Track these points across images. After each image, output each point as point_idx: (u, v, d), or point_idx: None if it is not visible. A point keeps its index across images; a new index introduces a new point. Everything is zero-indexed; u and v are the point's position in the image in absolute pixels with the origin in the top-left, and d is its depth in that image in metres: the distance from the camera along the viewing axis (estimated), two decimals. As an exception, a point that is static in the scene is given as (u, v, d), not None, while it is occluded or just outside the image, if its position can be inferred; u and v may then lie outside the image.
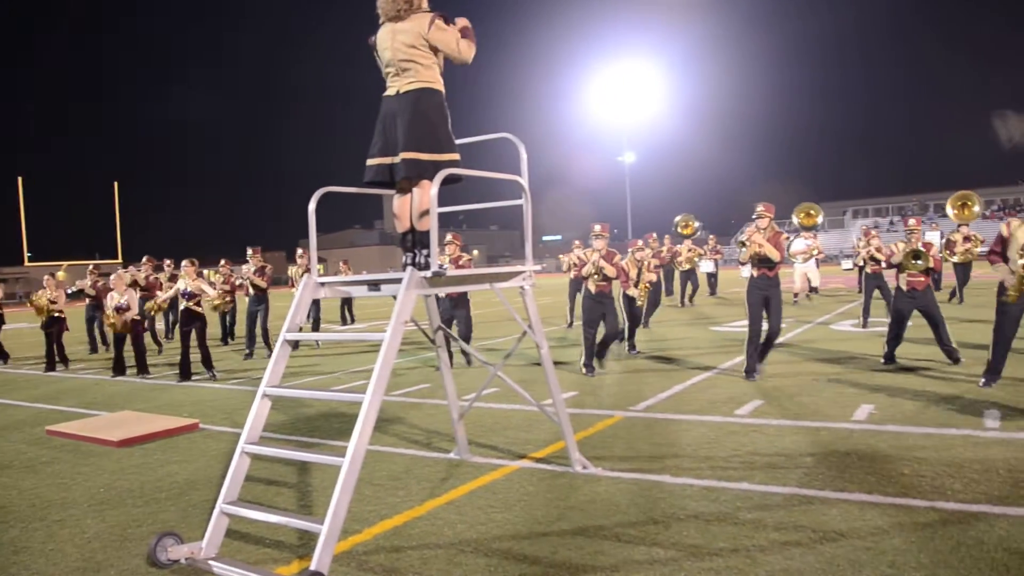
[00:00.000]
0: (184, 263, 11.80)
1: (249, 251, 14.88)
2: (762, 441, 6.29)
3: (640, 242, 12.13)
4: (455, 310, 11.31)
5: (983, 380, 8.06)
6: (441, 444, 6.73)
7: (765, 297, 9.16)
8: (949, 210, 9.68)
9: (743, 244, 9.30)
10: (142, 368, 12.38)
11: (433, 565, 4.13)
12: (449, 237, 11.46)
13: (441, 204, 4.76)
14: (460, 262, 11.32)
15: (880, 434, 6.32)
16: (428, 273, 4.63)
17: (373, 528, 4.72)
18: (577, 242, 17.28)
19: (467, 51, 4.98)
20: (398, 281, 4.56)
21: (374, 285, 4.88)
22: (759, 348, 9.32)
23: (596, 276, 10.21)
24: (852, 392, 8.10)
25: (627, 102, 61.92)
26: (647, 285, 11.68)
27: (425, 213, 4.89)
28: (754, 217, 9.33)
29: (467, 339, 11.30)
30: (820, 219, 11.01)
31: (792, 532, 4.33)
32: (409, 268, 4.65)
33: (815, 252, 19.18)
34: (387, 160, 4.92)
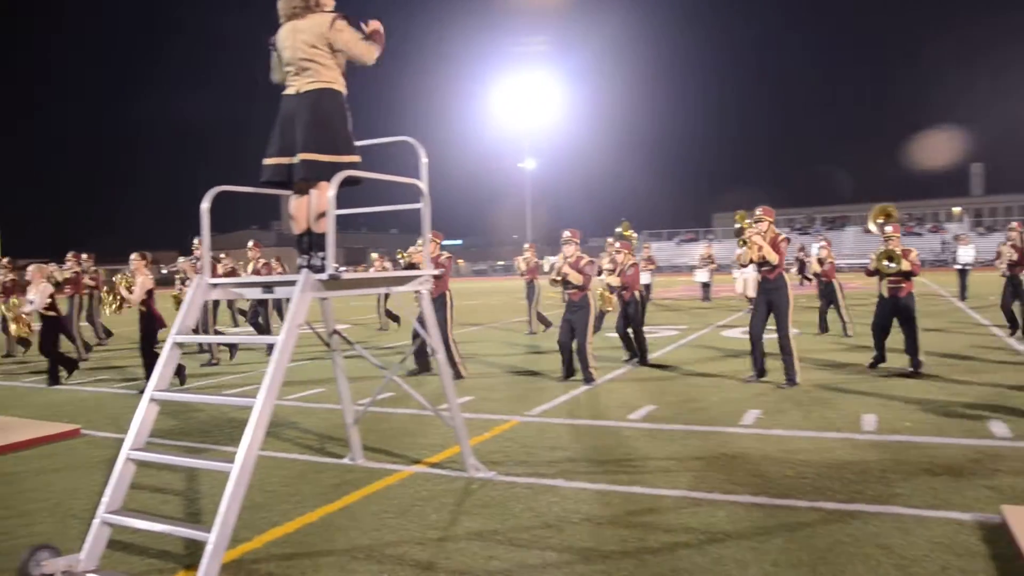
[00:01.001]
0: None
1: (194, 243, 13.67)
2: (654, 445, 6.42)
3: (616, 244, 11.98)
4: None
5: None
6: (335, 449, 6.64)
7: (768, 301, 9.14)
8: (872, 225, 10.07)
9: (743, 243, 9.24)
10: (52, 376, 11.13)
11: (325, 572, 4.06)
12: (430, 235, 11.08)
13: (339, 206, 4.70)
14: (440, 259, 10.95)
15: (766, 438, 6.55)
16: (324, 276, 4.57)
17: (264, 536, 4.62)
18: (527, 245, 17.31)
19: (368, 53, 4.93)
20: (292, 284, 4.48)
21: (268, 287, 4.79)
22: (757, 353, 9.34)
23: (559, 282, 9.85)
24: (740, 398, 8.35)
25: (528, 109, 62.43)
26: (606, 290, 11.35)
27: (322, 215, 4.81)
28: (754, 220, 9.28)
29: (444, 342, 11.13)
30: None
31: (681, 534, 4.44)
32: (304, 271, 4.57)
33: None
34: (285, 160, 4.83)
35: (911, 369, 9.44)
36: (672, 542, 4.32)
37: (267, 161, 4.88)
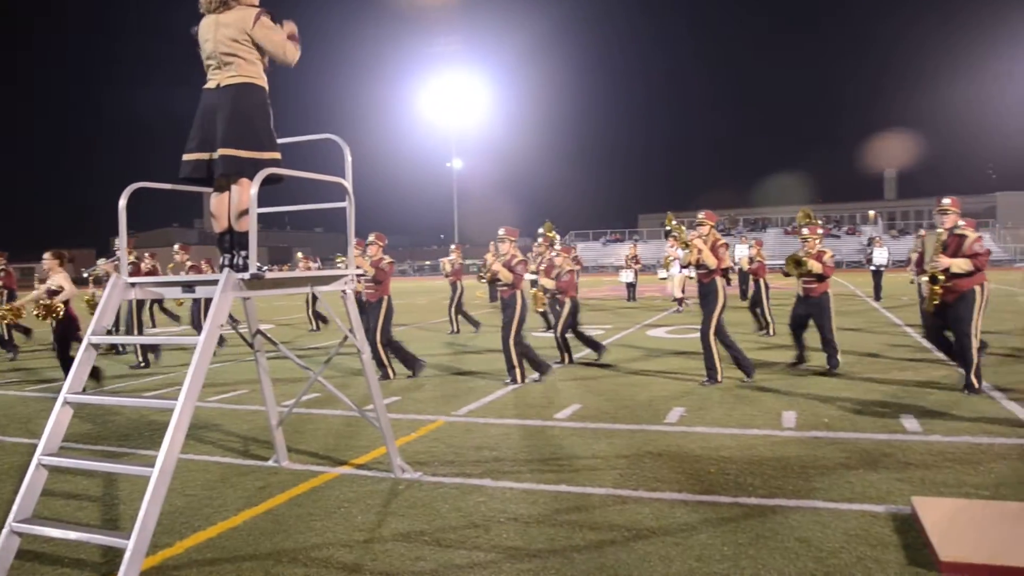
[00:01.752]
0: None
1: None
2: (580, 444, 6.48)
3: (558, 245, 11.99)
4: (371, 311, 10.87)
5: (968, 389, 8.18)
6: (259, 451, 6.53)
7: (712, 301, 9.15)
8: (801, 227, 10.43)
9: (685, 245, 9.31)
10: None
11: (247, 577, 4.00)
12: (372, 237, 10.91)
13: (261, 204, 4.62)
14: (381, 264, 10.81)
15: (690, 435, 6.66)
16: (245, 275, 4.49)
17: (185, 541, 4.52)
18: (454, 246, 17.24)
19: (292, 53, 4.87)
20: (214, 283, 4.39)
21: (188, 287, 4.68)
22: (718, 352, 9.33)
23: (489, 279, 9.89)
24: (665, 396, 8.48)
25: (455, 109, 62.32)
26: (540, 291, 11.33)
27: (244, 213, 4.72)
28: (696, 224, 9.36)
29: (373, 344, 11.08)
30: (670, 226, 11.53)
31: (607, 531, 4.49)
32: (226, 270, 4.49)
33: (673, 259, 19.84)
34: (205, 156, 4.72)
35: (827, 367, 9.73)
36: (598, 539, 4.36)
37: (186, 156, 4.76)
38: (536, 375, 9.81)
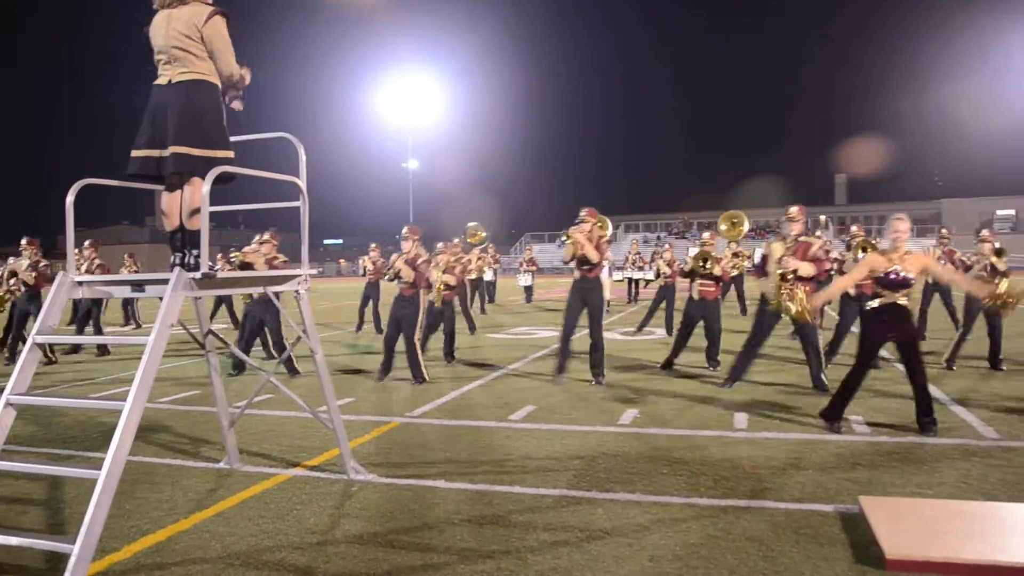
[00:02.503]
0: None
1: (24, 242, 13.09)
2: (534, 445, 6.49)
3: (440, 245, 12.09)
4: (267, 313, 10.81)
5: (725, 381, 8.98)
6: (210, 453, 6.44)
7: (583, 299, 9.39)
8: (721, 227, 10.58)
9: (567, 237, 9.42)
10: None
11: (197, 581, 3.94)
12: (267, 236, 10.89)
13: (213, 203, 4.56)
14: (276, 263, 10.77)
15: (643, 436, 6.71)
16: (197, 274, 4.43)
17: (133, 545, 4.44)
18: (374, 245, 17.01)
19: (234, 69, 4.79)
20: (164, 282, 4.32)
21: (138, 286, 4.60)
22: (565, 351, 9.57)
23: (395, 280, 9.96)
24: (618, 397, 8.54)
25: (412, 109, 62.05)
26: (441, 288, 11.42)
27: (196, 211, 4.66)
28: (577, 220, 9.50)
29: (278, 345, 11.18)
30: (609, 232, 11.61)
31: (561, 532, 4.50)
32: (177, 269, 4.42)
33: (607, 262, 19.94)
34: (155, 153, 4.64)
35: (709, 367, 10.20)
36: (552, 540, 4.38)
37: (136, 153, 4.68)
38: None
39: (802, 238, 8.69)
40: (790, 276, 8.35)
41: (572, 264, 9.58)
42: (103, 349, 14.10)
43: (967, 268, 10.40)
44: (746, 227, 10.87)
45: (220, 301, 17.69)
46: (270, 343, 11.91)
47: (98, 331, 13.89)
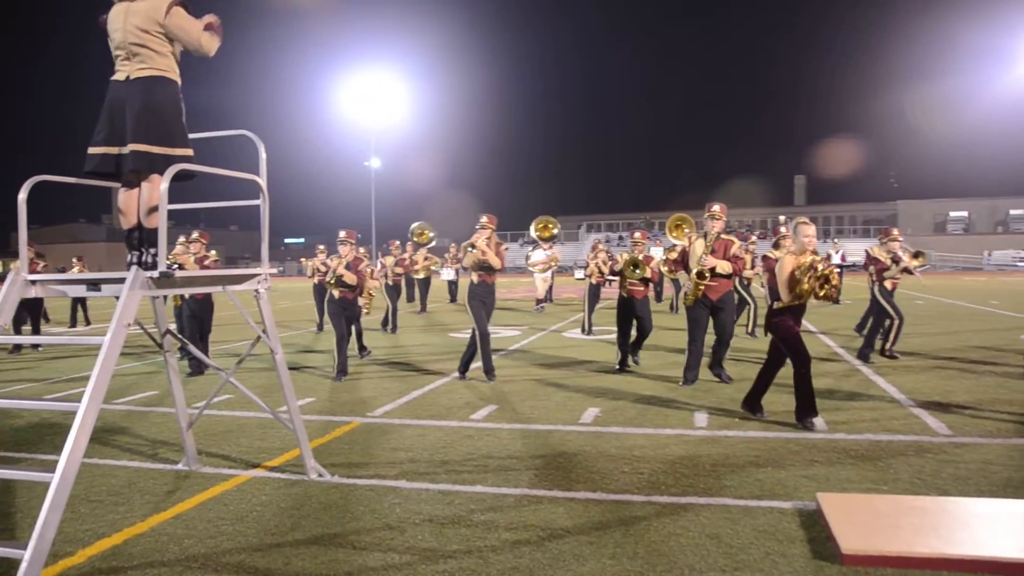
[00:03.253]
0: None
1: None
2: (495, 444, 6.50)
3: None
4: (202, 311, 10.71)
5: (682, 380, 9.09)
6: (168, 455, 6.36)
7: (483, 303, 9.54)
8: (667, 230, 10.71)
9: (471, 247, 9.55)
10: None
11: (155, 584, 3.89)
12: (195, 235, 10.85)
13: (172, 201, 4.51)
14: (206, 262, 10.73)
15: (604, 435, 6.74)
16: (155, 273, 4.37)
17: (88, 549, 4.36)
18: (321, 247, 16.84)
19: (208, 43, 4.75)
20: (121, 281, 4.26)
21: (94, 285, 4.53)
22: (488, 349, 9.68)
23: (332, 283, 10.09)
24: (580, 396, 8.57)
25: (375, 107, 61.64)
26: (371, 294, 11.70)
27: (154, 210, 4.59)
28: (478, 227, 9.65)
29: (203, 340, 11.04)
30: (557, 231, 11.68)
31: (522, 531, 4.51)
32: (134, 267, 4.36)
33: (553, 264, 20.06)
34: (113, 150, 4.57)
35: (616, 367, 10.35)
36: (513, 540, 4.38)
37: (93, 150, 4.60)
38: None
39: (724, 236, 8.93)
40: (707, 273, 8.62)
41: (471, 269, 9.74)
42: (17, 349, 14.03)
43: (881, 270, 10.79)
44: (687, 231, 11.05)
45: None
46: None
47: (36, 331, 13.81)
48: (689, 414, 7.49)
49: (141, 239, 4.73)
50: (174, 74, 4.70)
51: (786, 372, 7.18)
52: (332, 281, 10.09)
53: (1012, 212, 73.08)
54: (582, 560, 4.07)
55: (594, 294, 15.21)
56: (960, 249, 65.14)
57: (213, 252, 11.33)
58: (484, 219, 9.69)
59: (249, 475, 5.75)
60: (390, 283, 16.38)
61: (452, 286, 25.15)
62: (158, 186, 4.43)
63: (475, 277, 9.63)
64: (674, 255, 10.57)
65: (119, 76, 4.63)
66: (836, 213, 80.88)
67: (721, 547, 4.21)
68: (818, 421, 6.98)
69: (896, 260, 10.65)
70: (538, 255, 19.86)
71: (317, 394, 9.00)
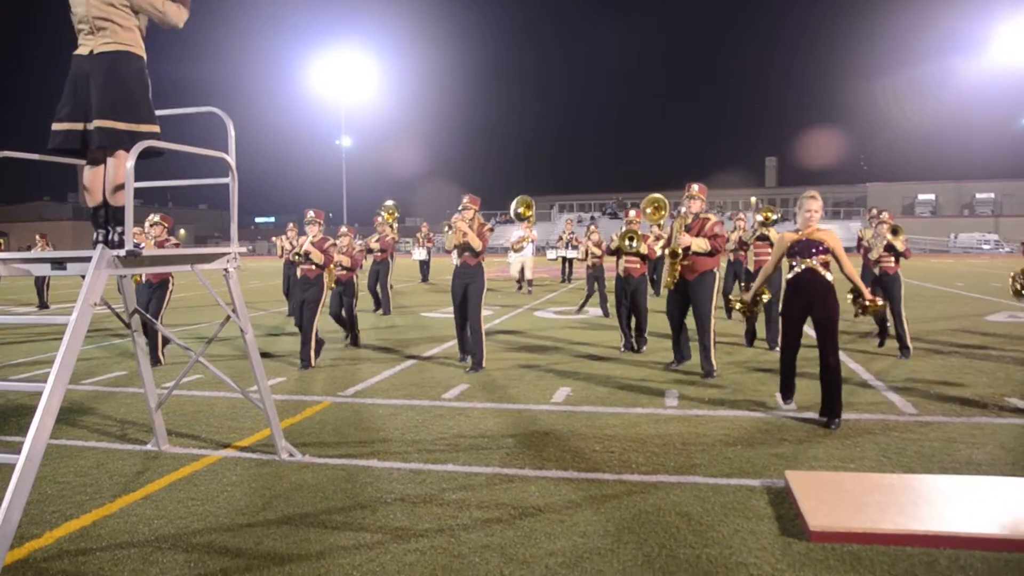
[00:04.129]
0: None
1: None
2: (467, 424, 6.51)
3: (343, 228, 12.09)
4: (153, 294, 10.57)
5: (673, 363, 9.05)
6: (137, 435, 6.30)
7: (464, 285, 9.36)
8: (646, 211, 10.73)
9: (449, 227, 9.47)
10: None
11: (126, 566, 3.85)
12: (157, 218, 10.69)
13: (139, 179, 4.44)
14: (166, 245, 10.61)
15: (575, 415, 6.77)
16: (121, 252, 4.31)
17: (56, 531, 4.32)
18: (291, 225, 16.73)
19: (176, 14, 4.65)
20: (87, 260, 4.20)
21: (59, 263, 4.46)
22: (464, 333, 9.60)
23: (301, 261, 10.00)
24: (552, 376, 8.60)
25: (346, 84, 61.12)
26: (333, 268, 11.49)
27: (120, 187, 4.51)
28: (460, 208, 9.51)
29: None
30: (533, 211, 11.70)
31: (494, 509, 4.52)
32: (100, 246, 4.30)
33: (528, 241, 20.04)
34: (77, 126, 4.46)
35: (637, 348, 10.35)
36: (485, 518, 4.39)
37: (57, 126, 4.49)
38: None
39: (702, 215, 8.80)
40: (680, 252, 8.54)
41: (454, 252, 9.63)
42: None
43: (866, 251, 10.51)
44: (667, 211, 11.08)
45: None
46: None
47: None
48: (660, 394, 7.54)
49: (107, 217, 4.64)
50: (140, 49, 4.60)
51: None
52: (299, 257, 9.97)
53: (978, 196, 74.16)
54: (553, 538, 4.09)
55: (596, 277, 15.25)
56: (928, 231, 66.05)
57: (173, 237, 11.06)
58: (466, 199, 9.53)
59: (220, 455, 5.72)
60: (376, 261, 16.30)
61: (424, 266, 25.06)
62: (124, 163, 4.35)
63: (457, 259, 9.51)
64: (656, 235, 10.50)
65: (82, 50, 4.51)
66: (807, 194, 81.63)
67: (691, 524, 4.25)
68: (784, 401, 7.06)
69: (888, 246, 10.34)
70: (515, 234, 19.91)
71: (288, 374, 8.95)
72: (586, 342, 11.18)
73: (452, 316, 9.77)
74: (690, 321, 8.77)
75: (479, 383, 8.21)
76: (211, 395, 7.77)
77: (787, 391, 6.81)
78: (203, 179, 5.52)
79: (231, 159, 5.20)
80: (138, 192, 4.52)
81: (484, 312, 9.23)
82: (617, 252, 10.41)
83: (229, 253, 5.35)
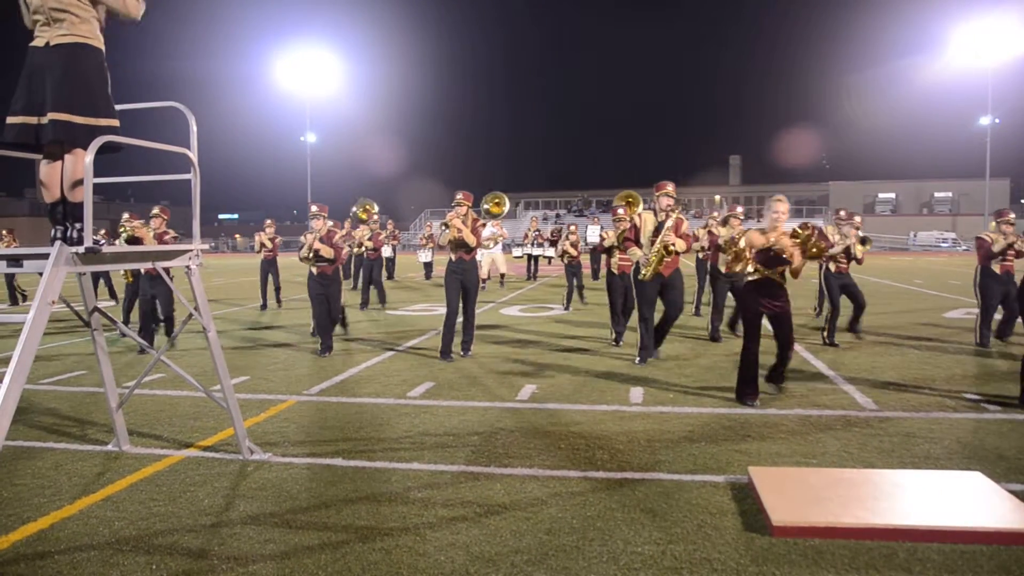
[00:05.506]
0: None
1: None
2: (432, 422, 6.49)
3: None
4: (155, 288, 10.44)
5: (638, 359, 9.12)
6: (97, 435, 6.21)
7: (461, 281, 9.54)
8: (619, 207, 10.89)
9: (444, 226, 9.52)
10: None
11: (85, 569, 3.79)
12: (156, 210, 10.56)
13: (99, 174, 4.37)
14: (165, 238, 10.46)
15: (541, 412, 6.79)
16: (80, 249, 4.24)
17: (12, 535, 4.23)
18: (269, 221, 16.66)
19: (134, 7, 4.58)
20: (44, 256, 4.12)
21: (15, 260, 4.38)
22: (453, 331, 9.65)
23: (309, 258, 9.93)
24: (518, 372, 8.61)
25: (310, 80, 60.56)
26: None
27: (79, 183, 4.43)
28: (453, 204, 9.61)
29: (169, 319, 10.89)
30: (506, 208, 11.71)
31: (459, 508, 4.52)
32: (58, 243, 4.22)
33: (499, 239, 20.08)
34: (32, 119, 4.36)
35: (614, 344, 10.54)
36: (450, 516, 4.39)
37: (11, 119, 4.38)
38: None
39: (677, 215, 9.02)
40: (672, 248, 8.75)
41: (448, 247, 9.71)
42: None
43: (991, 248, 10.49)
44: (641, 207, 11.24)
45: (98, 276, 17.13)
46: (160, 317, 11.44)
47: None
48: (625, 391, 7.58)
49: (65, 213, 4.55)
50: (98, 41, 4.51)
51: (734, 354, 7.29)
52: (309, 257, 9.86)
53: (937, 195, 75.37)
54: (519, 536, 4.10)
55: (573, 273, 15.75)
56: (888, 229, 67.01)
57: (172, 231, 10.90)
58: (460, 196, 9.61)
59: (182, 455, 5.65)
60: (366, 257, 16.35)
61: (428, 267, 25.17)
62: (82, 159, 4.27)
63: (452, 255, 9.62)
64: (618, 230, 10.57)
65: (38, 42, 4.41)
66: (769, 193, 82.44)
67: (656, 521, 4.27)
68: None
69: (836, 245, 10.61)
70: (486, 231, 19.89)
71: (252, 372, 8.87)
72: (551, 339, 11.20)
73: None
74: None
75: (445, 380, 8.19)
76: (173, 394, 7.67)
77: (753, 389, 6.98)
78: (165, 175, 5.45)
79: (193, 155, 5.13)
80: (98, 188, 4.45)
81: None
82: (609, 250, 10.53)
83: (192, 250, 5.29)
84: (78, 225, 4.46)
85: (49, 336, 12.01)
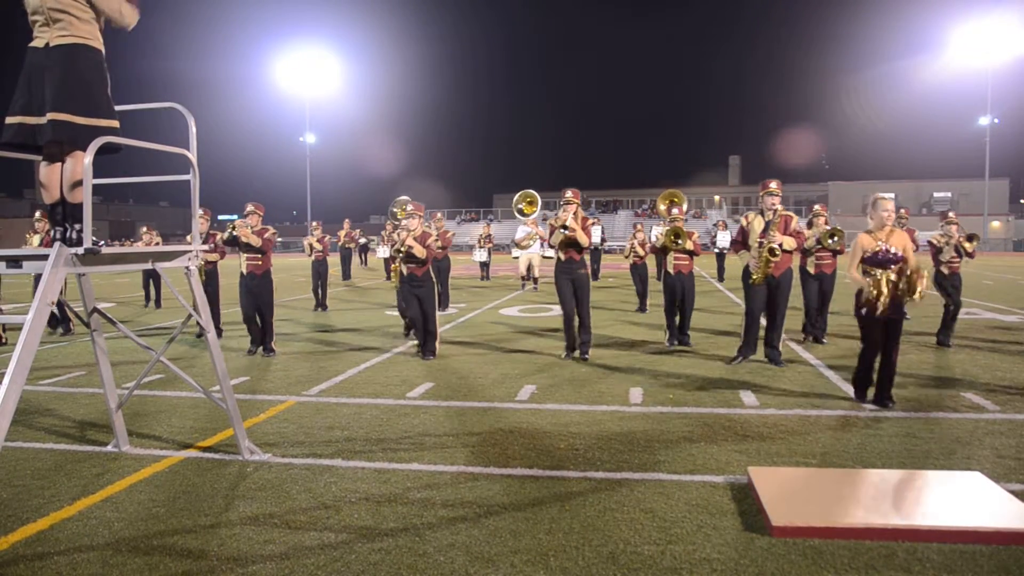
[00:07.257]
0: None
1: None
2: (432, 422, 6.49)
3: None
4: (260, 289, 10.37)
5: (739, 357, 9.07)
6: (97, 436, 6.21)
7: (571, 280, 9.41)
8: (660, 207, 10.87)
9: (564, 227, 9.27)
10: None
11: (84, 569, 3.79)
12: (251, 207, 10.42)
13: (98, 175, 4.37)
14: (265, 235, 10.32)
15: (540, 412, 6.79)
16: (80, 250, 4.24)
17: (12, 535, 4.23)
18: (315, 224, 16.94)
19: (130, 14, 4.58)
20: (44, 257, 4.13)
21: (14, 261, 4.38)
22: (573, 331, 9.58)
23: (400, 258, 9.77)
24: (517, 373, 8.61)
25: (310, 81, 60.62)
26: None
27: (78, 184, 4.43)
28: (563, 202, 9.42)
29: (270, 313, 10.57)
30: (539, 206, 11.68)
31: (459, 508, 4.52)
32: (57, 244, 4.23)
33: (534, 237, 20.01)
34: (31, 120, 4.36)
35: (670, 341, 10.47)
36: (450, 516, 4.39)
37: (10, 119, 4.38)
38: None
39: (782, 212, 8.83)
40: (779, 251, 8.57)
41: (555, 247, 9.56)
42: None
43: (936, 250, 10.70)
44: (684, 206, 11.25)
45: (148, 277, 17.37)
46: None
47: None
48: (624, 391, 7.57)
49: (65, 214, 4.56)
50: (97, 42, 4.51)
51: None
52: (400, 254, 9.62)
53: (936, 195, 75.38)
54: (518, 536, 4.10)
55: (639, 275, 15.73)
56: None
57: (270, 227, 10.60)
58: (569, 194, 9.41)
59: (181, 456, 5.65)
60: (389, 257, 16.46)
61: (484, 267, 25.57)
62: (81, 159, 4.27)
63: (561, 255, 9.46)
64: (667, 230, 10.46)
65: (38, 43, 4.41)
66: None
67: (655, 521, 4.27)
68: (749, 397, 7.14)
69: (945, 246, 10.58)
70: (521, 231, 19.85)
71: (252, 373, 8.87)
72: (551, 340, 11.19)
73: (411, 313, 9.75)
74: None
75: (444, 381, 8.19)
76: (173, 395, 7.67)
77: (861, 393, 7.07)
78: (164, 176, 5.45)
79: (192, 155, 5.14)
80: (97, 188, 4.44)
81: (450, 310, 9.25)
82: (664, 250, 10.45)
83: (190, 251, 5.29)
84: (77, 226, 4.47)
85: (49, 336, 12.01)
